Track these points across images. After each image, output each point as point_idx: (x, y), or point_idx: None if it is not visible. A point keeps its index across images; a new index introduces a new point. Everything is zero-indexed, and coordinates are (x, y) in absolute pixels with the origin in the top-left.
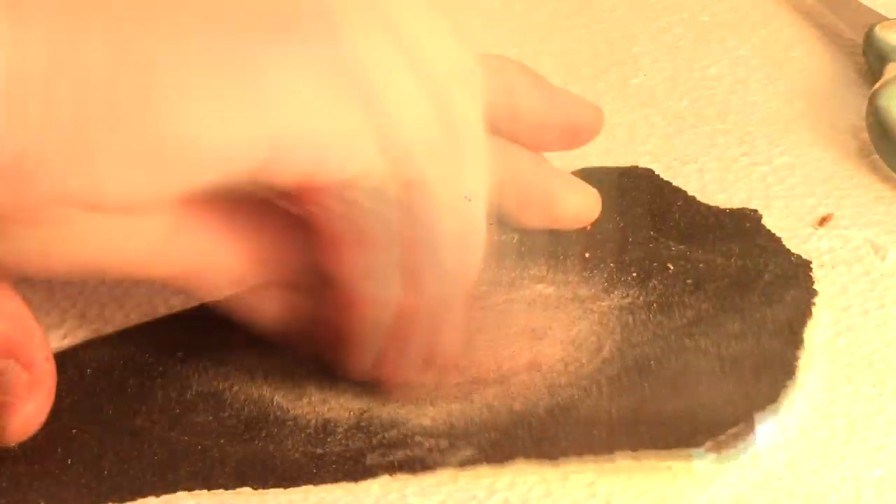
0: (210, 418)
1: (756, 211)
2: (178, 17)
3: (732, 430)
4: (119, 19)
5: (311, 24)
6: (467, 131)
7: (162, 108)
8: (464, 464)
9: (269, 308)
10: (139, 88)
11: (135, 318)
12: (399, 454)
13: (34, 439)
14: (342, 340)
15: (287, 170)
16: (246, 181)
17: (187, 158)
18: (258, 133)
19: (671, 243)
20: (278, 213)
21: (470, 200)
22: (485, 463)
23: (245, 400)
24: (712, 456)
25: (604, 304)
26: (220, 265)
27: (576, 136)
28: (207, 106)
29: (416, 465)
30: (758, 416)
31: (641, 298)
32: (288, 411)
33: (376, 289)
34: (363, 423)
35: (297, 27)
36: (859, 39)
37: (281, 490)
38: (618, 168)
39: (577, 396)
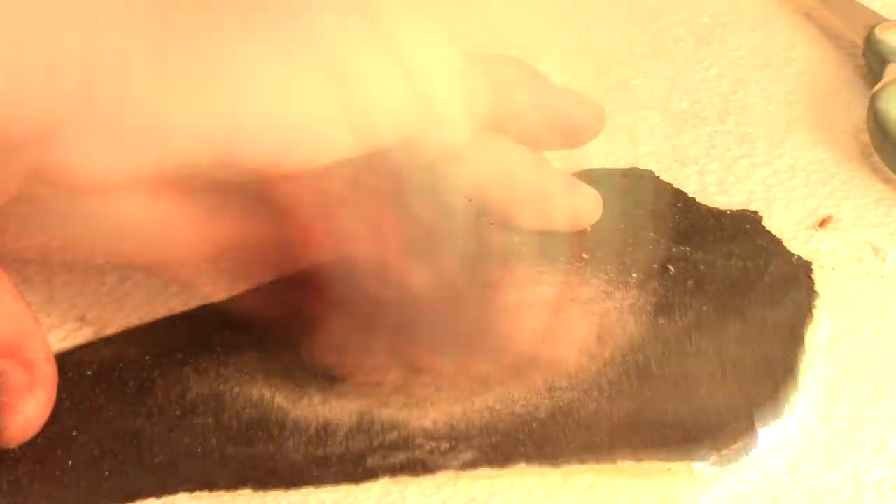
0: (210, 420)
1: (756, 212)
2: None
3: (733, 435)
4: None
5: (284, 9)
6: (450, 125)
7: (134, 87)
8: (465, 466)
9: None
10: (113, 68)
11: (135, 319)
12: (400, 456)
13: (34, 440)
14: (310, 327)
15: (251, 153)
16: (213, 163)
17: (157, 137)
18: (222, 113)
19: (671, 245)
20: (251, 198)
21: (470, 200)
22: (486, 465)
23: (245, 402)
24: (713, 459)
25: (604, 305)
26: (187, 244)
27: (578, 135)
28: (177, 85)
29: (417, 467)
30: (759, 421)
31: (642, 300)
32: (288, 413)
33: (346, 278)
34: (364, 425)
35: (270, 12)
36: (860, 41)
37: (281, 492)
38: (618, 169)
39: (577, 399)
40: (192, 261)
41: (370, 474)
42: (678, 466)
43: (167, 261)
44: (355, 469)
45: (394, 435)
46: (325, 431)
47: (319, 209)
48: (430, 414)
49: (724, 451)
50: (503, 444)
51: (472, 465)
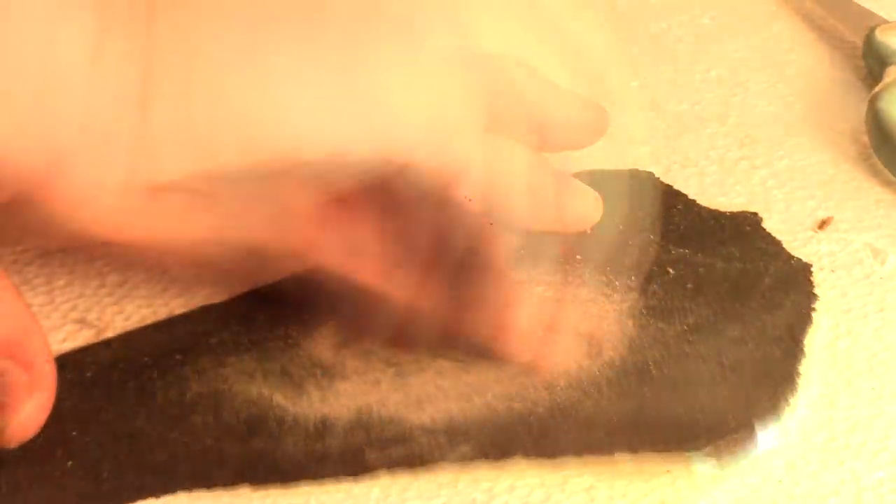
0: (209, 419)
1: (756, 214)
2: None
3: (733, 436)
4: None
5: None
6: (458, 138)
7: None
8: (462, 460)
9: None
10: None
11: (134, 320)
12: (398, 450)
13: (34, 441)
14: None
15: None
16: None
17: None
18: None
19: (671, 247)
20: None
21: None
22: (483, 459)
23: (244, 400)
24: (712, 461)
25: (603, 307)
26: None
27: (581, 137)
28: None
29: (415, 460)
30: (758, 422)
31: (641, 302)
32: (287, 411)
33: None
34: (362, 421)
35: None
36: (859, 42)
37: (280, 491)
38: (618, 171)
39: (576, 398)
40: (195, 262)
41: (369, 469)
42: (678, 469)
43: (169, 261)
44: (354, 464)
45: (392, 430)
46: (323, 428)
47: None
48: (427, 410)
49: (724, 452)
50: (501, 439)
51: (469, 457)
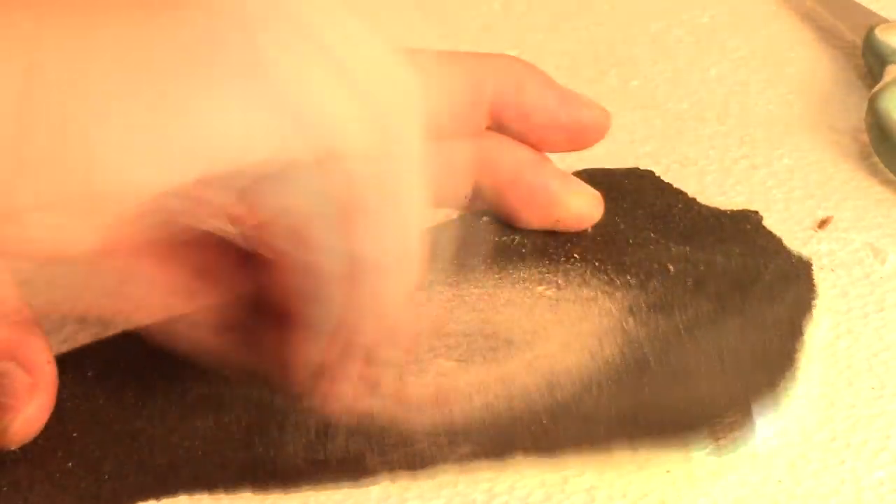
0: (210, 422)
1: (756, 212)
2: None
3: (731, 424)
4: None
5: (233, 49)
6: (402, 139)
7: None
8: (462, 459)
9: (200, 334)
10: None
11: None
12: (399, 453)
13: (35, 442)
14: (281, 357)
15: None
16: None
17: (118, 192)
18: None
19: (671, 245)
20: (211, 242)
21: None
22: (483, 458)
23: (245, 403)
24: (710, 447)
25: (604, 305)
26: (147, 295)
27: (583, 138)
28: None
29: (415, 462)
30: (756, 410)
31: (642, 300)
32: (288, 414)
33: (319, 310)
34: (363, 425)
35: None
36: (859, 41)
37: (281, 494)
38: (618, 169)
39: (576, 394)
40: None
41: (369, 472)
42: (676, 466)
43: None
44: (355, 468)
45: (392, 434)
46: (324, 432)
47: (290, 237)
48: (428, 412)
49: (722, 440)
50: (501, 438)
51: (469, 457)
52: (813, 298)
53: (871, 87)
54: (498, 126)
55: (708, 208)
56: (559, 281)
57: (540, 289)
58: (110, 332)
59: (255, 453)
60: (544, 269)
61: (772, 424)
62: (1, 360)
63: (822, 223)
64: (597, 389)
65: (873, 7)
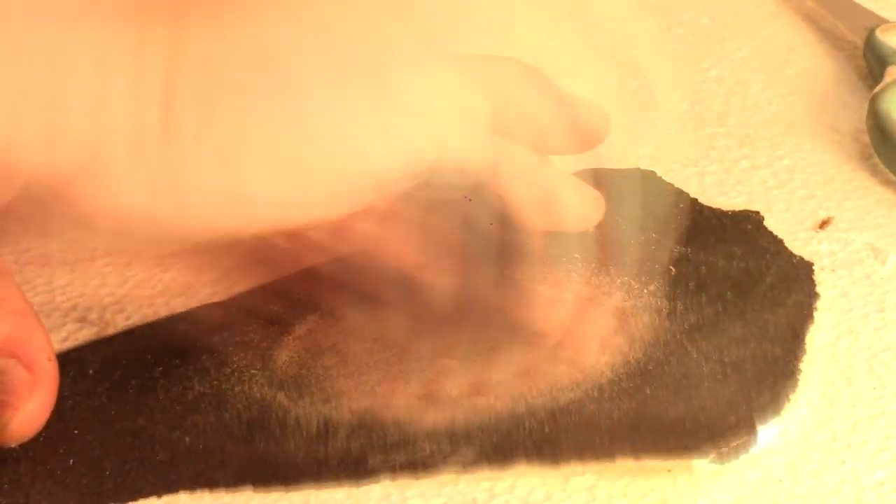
0: (211, 419)
1: (758, 213)
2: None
3: (733, 432)
4: None
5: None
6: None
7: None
8: (465, 466)
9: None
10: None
11: (135, 319)
12: (401, 456)
13: (36, 439)
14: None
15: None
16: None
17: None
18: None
19: (673, 245)
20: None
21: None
22: (486, 465)
23: (247, 400)
24: (713, 456)
25: (605, 306)
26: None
27: (584, 140)
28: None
29: (417, 467)
30: (758, 418)
31: (643, 301)
32: (289, 412)
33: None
34: (365, 425)
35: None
36: (860, 42)
37: (282, 492)
38: (620, 170)
39: (578, 399)
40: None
41: (371, 474)
42: (678, 466)
43: (170, 259)
44: (356, 469)
45: (395, 435)
46: (326, 431)
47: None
48: (431, 413)
49: (724, 448)
50: (503, 445)
51: (472, 464)
52: (814, 301)
53: (871, 87)
54: (498, 129)
55: (709, 209)
56: (560, 282)
57: (540, 289)
58: (111, 330)
59: (257, 451)
60: (545, 271)
61: (774, 431)
62: (1, 357)
63: (823, 224)
64: (598, 392)
65: (874, 8)
